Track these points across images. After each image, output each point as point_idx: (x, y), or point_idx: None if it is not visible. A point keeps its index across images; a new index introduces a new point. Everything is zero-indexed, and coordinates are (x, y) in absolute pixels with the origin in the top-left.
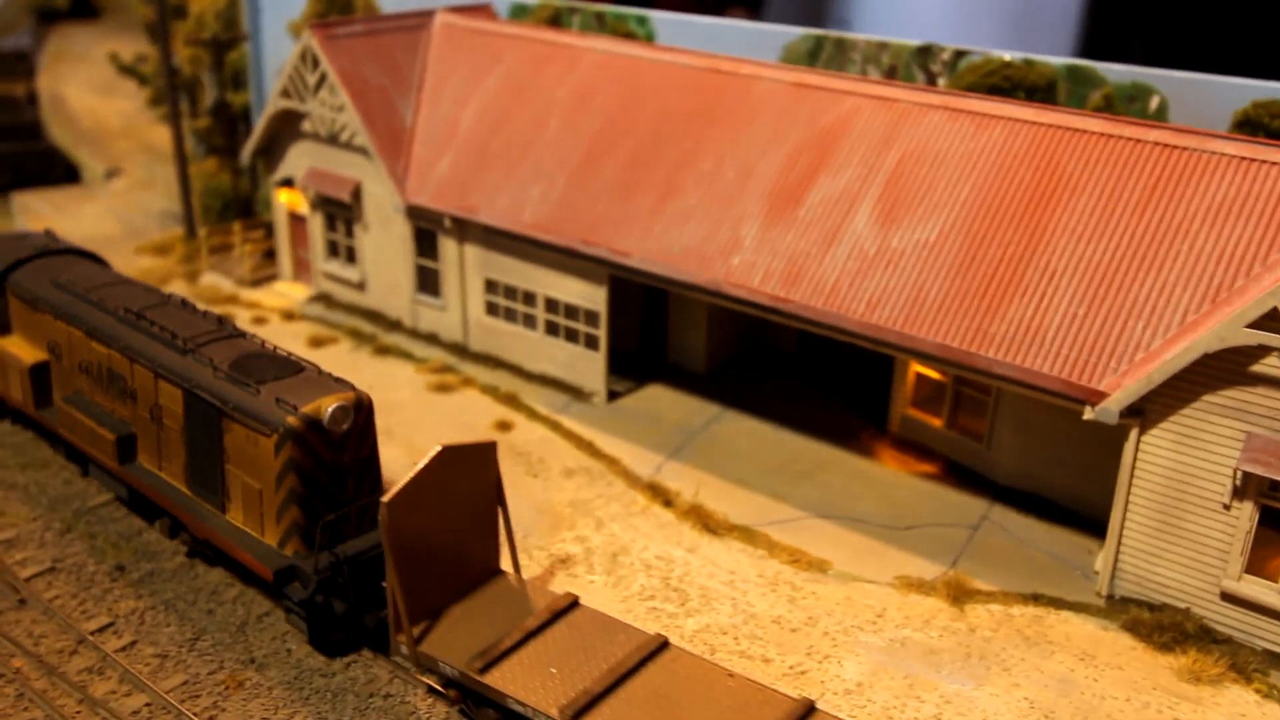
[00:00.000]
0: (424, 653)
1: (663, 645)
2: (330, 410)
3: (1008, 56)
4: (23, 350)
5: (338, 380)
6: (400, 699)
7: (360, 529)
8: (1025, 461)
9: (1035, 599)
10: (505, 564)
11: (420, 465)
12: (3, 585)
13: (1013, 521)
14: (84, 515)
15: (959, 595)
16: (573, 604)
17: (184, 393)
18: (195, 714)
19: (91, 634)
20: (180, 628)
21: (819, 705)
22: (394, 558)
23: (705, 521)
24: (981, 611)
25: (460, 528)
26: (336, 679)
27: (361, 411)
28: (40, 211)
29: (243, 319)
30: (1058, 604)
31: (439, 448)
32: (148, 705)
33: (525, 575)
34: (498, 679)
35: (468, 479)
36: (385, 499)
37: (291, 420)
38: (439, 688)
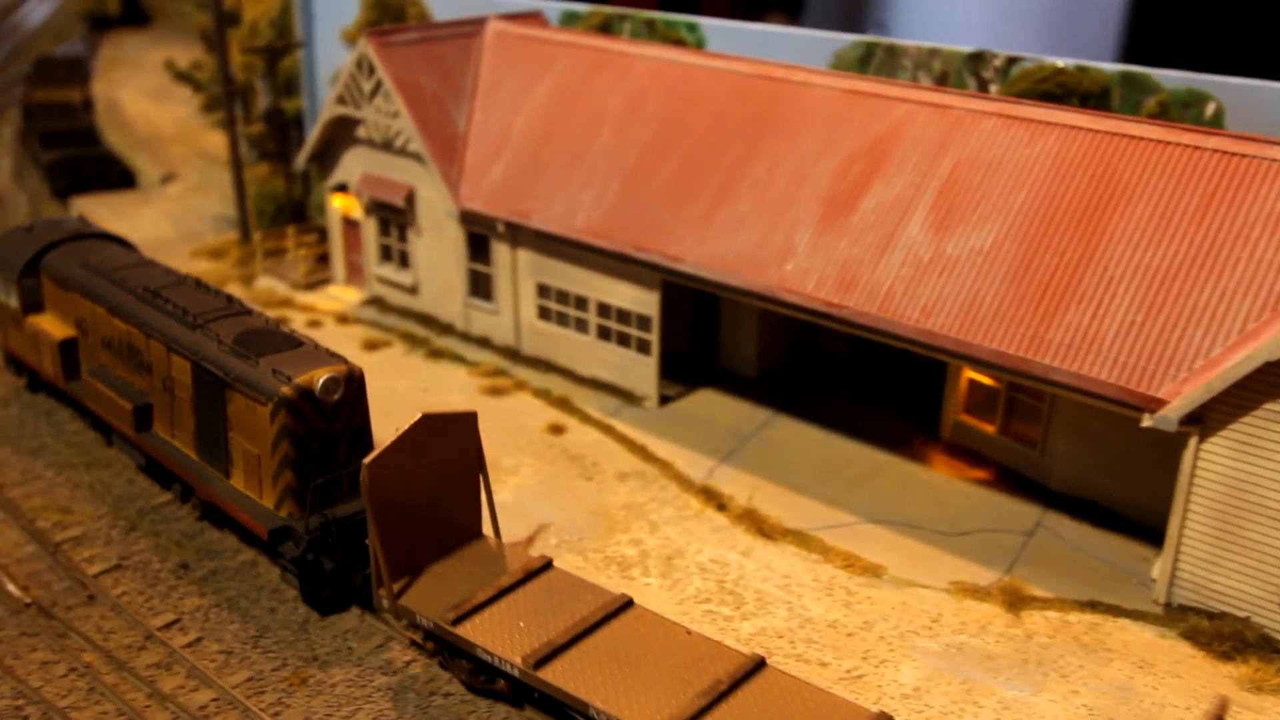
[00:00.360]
0: (403, 606)
1: (627, 604)
2: (322, 381)
3: (1061, 63)
4: (54, 327)
5: (332, 354)
6: (460, 697)
7: (351, 493)
8: (1080, 468)
9: (1092, 606)
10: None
11: (401, 431)
12: (72, 581)
13: (1067, 528)
14: (147, 514)
15: (1015, 601)
16: (546, 565)
17: (192, 365)
18: (261, 709)
19: (158, 630)
20: (244, 625)
21: (769, 661)
22: (375, 517)
23: (759, 526)
24: (1038, 618)
25: (442, 491)
26: (397, 677)
27: (353, 383)
28: (98, 215)
29: (298, 321)
30: (1115, 611)
31: (420, 415)
32: (215, 700)
33: (579, 574)
34: (468, 630)
35: (449, 446)
36: (366, 461)
37: (286, 390)
38: (418, 641)
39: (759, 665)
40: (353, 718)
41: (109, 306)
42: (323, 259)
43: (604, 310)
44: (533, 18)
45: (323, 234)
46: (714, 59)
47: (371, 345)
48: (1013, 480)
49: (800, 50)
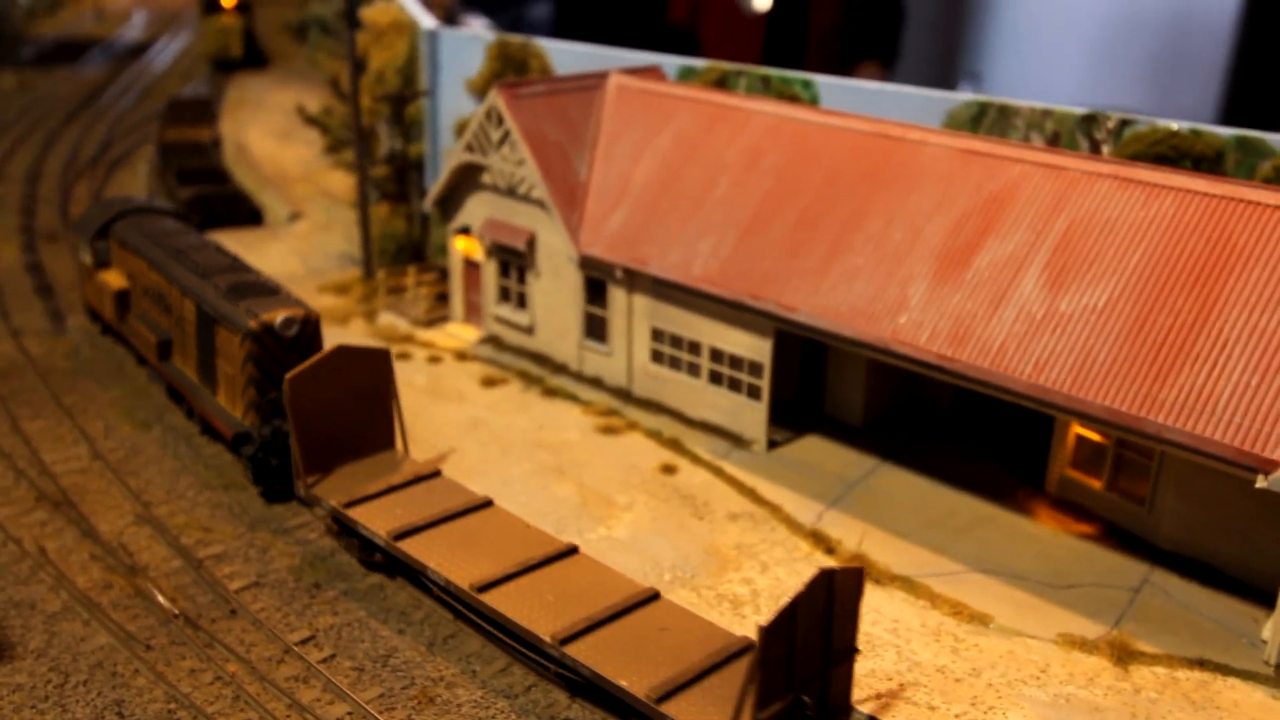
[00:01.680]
0: (312, 493)
1: (486, 503)
2: (281, 318)
3: (1175, 126)
4: (114, 280)
5: (297, 302)
6: None
7: None
8: (1188, 526)
9: (1201, 664)
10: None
11: (318, 356)
12: (215, 596)
13: (1175, 586)
14: (281, 534)
15: (1123, 655)
16: (434, 473)
17: (195, 306)
18: None
19: (295, 645)
20: (373, 644)
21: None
22: (293, 420)
23: (867, 570)
24: (1146, 673)
25: (355, 410)
26: (520, 700)
27: (309, 324)
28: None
29: (419, 357)
30: (1225, 670)
31: (336, 346)
32: (349, 714)
33: (691, 609)
34: (356, 513)
35: (363, 375)
36: (288, 376)
37: (253, 324)
38: (329, 523)
39: (570, 550)
40: None
41: (149, 262)
42: (441, 297)
43: (716, 356)
44: (651, 72)
45: (442, 273)
46: (830, 116)
47: (489, 382)
48: (1119, 536)
49: (912, 109)
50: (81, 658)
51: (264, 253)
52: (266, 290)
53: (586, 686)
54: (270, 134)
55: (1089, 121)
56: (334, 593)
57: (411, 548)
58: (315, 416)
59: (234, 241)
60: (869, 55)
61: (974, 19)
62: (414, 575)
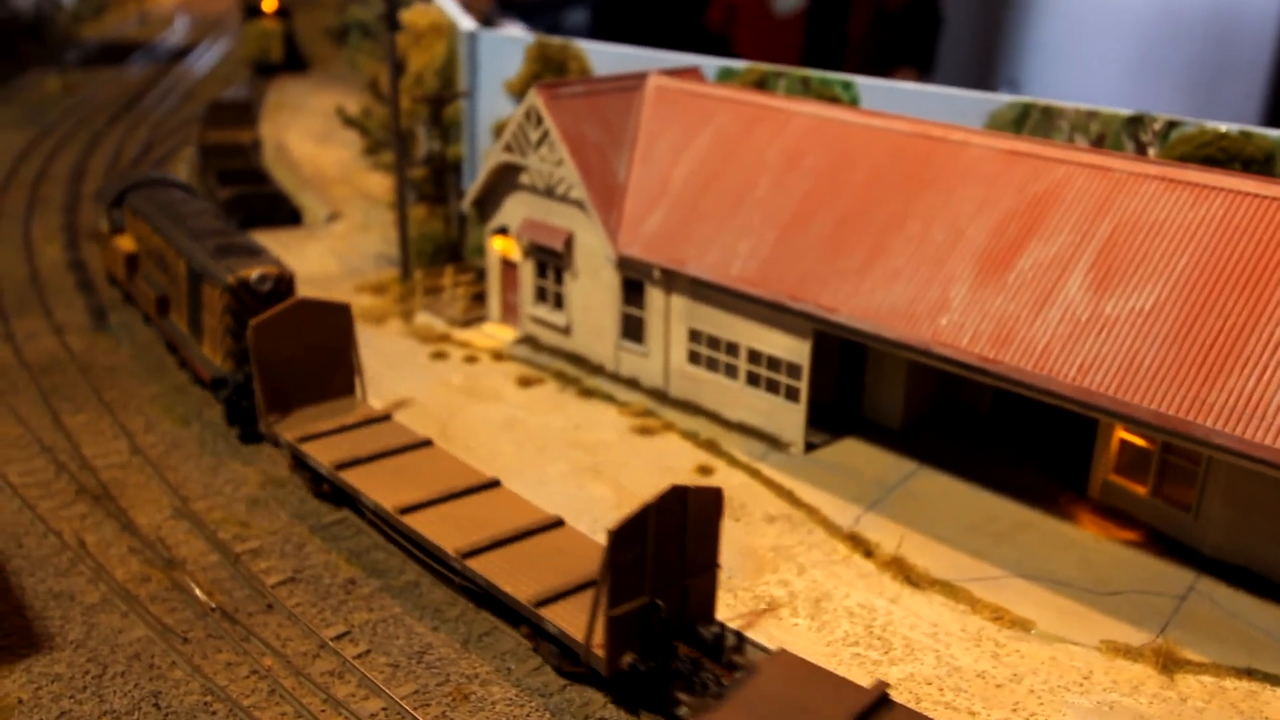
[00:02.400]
0: (272, 430)
1: (427, 442)
2: (256, 274)
3: (1223, 128)
4: (126, 244)
5: (275, 262)
6: None
7: None
8: (1236, 534)
9: (1249, 673)
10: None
11: (281, 306)
12: (252, 590)
13: (1222, 594)
14: (319, 531)
15: (1168, 664)
16: (385, 417)
17: (186, 264)
18: None
19: (331, 640)
20: (409, 641)
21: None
22: (256, 364)
23: (906, 574)
24: (1192, 682)
25: (316, 358)
26: (554, 699)
27: (282, 281)
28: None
29: (455, 357)
30: (1275, 680)
31: (298, 298)
32: (384, 709)
33: (721, 611)
34: (307, 447)
35: (325, 327)
36: (252, 323)
37: (231, 279)
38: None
39: (493, 483)
40: None
41: (153, 226)
42: (478, 298)
43: (754, 357)
44: (691, 73)
45: (480, 274)
46: (871, 117)
47: (525, 382)
48: (1164, 543)
49: (954, 110)
50: (119, 649)
51: (302, 253)
52: (249, 251)
53: (485, 597)
54: (309, 136)
55: (1135, 123)
56: (369, 589)
57: (350, 476)
58: (277, 361)
59: (272, 241)
60: (905, 62)
61: (1013, 26)
62: (353, 503)
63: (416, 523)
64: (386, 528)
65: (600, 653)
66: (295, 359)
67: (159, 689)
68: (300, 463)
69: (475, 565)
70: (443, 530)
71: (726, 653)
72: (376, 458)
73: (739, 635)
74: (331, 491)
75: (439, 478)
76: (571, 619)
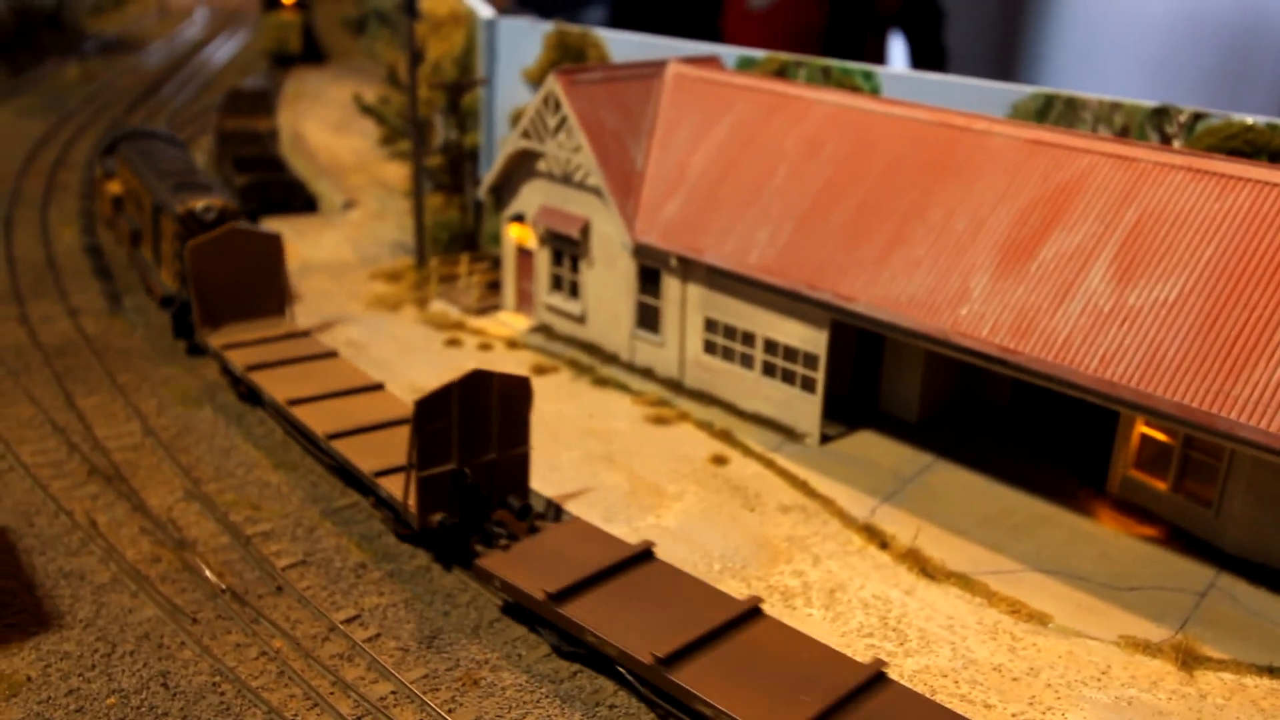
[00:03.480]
0: (205, 340)
1: (333, 354)
2: (201, 205)
3: (1250, 120)
4: (114, 187)
5: (223, 197)
6: (625, 710)
7: None
8: (1258, 531)
9: (1271, 671)
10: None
11: (216, 231)
12: (262, 573)
13: (1243, 592)
14: (329, 515)
15: (1188, 660)
16: (305, 333)
17: (150, 200)
18: (437, 705)
19: (341, 623)
20: (419, 625)
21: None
22: (193, 282)
23: (922, 566)
24: (1212, 679)
25: (248, 280)
26: (564, 686)
27: (225, 212)
28: (285, 236)
29: (469, 344)
30: None
31: (231, 225)
32: (393, 693)
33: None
34: (230, 354)
35: (258, 254)
36: (190, 243)
37: (180, 209)
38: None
39: (377, 386)
40: (523, 719)
41: (132, 170)
42: (493, 286)
43: (771, 347)
44: (710, 62)
45: (495, 262)
46: (892, 105)
47: (540, 370)
48: (1184, 539)
49: (977, 101)
50: (129, 629)
51: (317, 239)
52: (203, 188)
53: (350, 475)
54: (327, 126)
55: (1160, 115)
56: (380, 574)
57: (257, 376)
58: (212, 281)
59: (288, 228)
60: (916, 67)
61: (1034, 25)
62: (260, 400)
63: (300, 412)
64: (281, 419)
65: (413, 509)
66: (229, 279)
67: (168, 668)
68: (224, 367)
69: (336, 445)
70: (319, 419)
71: (532, 519)
72: (284, 363)
73: (557, 508)
74: (246, 392)
75: (332, 381)
76: (399, 486)
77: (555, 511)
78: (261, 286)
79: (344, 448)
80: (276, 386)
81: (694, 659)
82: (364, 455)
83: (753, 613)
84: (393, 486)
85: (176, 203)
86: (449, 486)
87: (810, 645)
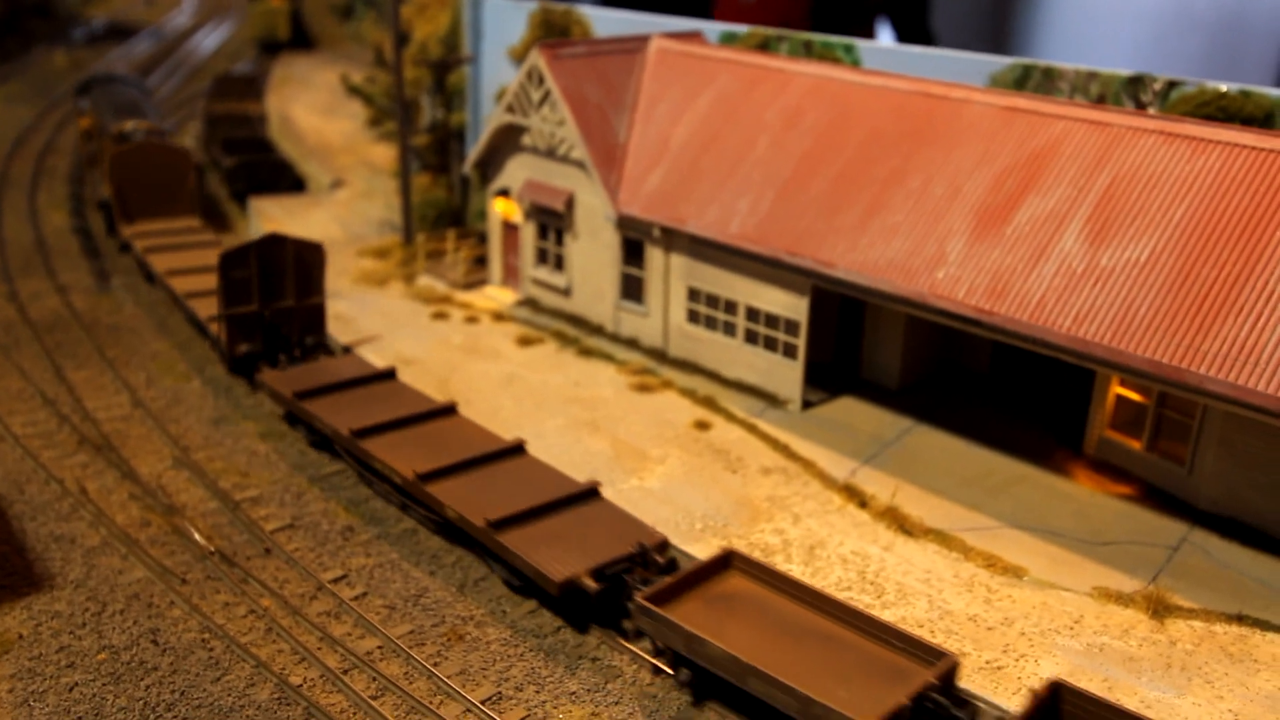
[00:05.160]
0: (122, 236)
1: (217, 242)
2: (130, 126)
3: (1224, 87)
4: (84, 123)
5: (156, 121)
6: (606, 662)
7: None
8: (1229, 487)
9: (1240, 619)
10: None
11: (133, 143)
12: (251, 536)
13: (1215, 545)
14: (318, 481)
15: (1159, 609)
16: (205, 229)
17: (100, 126)
18: (422, 659)
19: (329, 583)
20: (405, 584)
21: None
22: (112, 185)
23: (900, 523)
24: (1182, 626)
25: (164, 186)
26: (548, 640)
27: (153, 132)
28: (272, 214)
29: (456, 318)
30: (1265, 625)
31: (147, 139)
32: (379, 648)
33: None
34: (135, 241)
35: (171, 166)
36: (109, 153)
37: (115, 129)
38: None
39: (323, 348)
40: (507, 672)
41: (94, 106)
42: (480, 261)
43: (753, 314)
44: (693, 37)
45: (481, 238)
46: (872, 76)
47: (525, 341)
48: (1159, 497)
49: (957, 72)
50: (119, 589)
51: (306, 218)
52: (140, 114)
53: (194, 320)
54: (315, 109)
55: (1135, 84)
56: (367, 536)
57: (152, 257)
58: (130, 185)
59: (277, 207)
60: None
61: (1022, 12)
62: (152, 277)
63: (174, 282)
64: (163, 288)
65: (224, 342)
66: (145, 185)
67: (157, 626)
68: (126, 247)
69: (192, 304)
70: (187, 285)
71: (322, 351)
72: (176, 248)
73: (346, 348)
74: (147, 276)
75: (210, 259)
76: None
77: (344, 350)
78: (174, 193)
79: (196, 303)
80: (163, 263)
81: (384, 434)
82: (210, 306)
83: (517, 449)
84: (219, 329)
85: (112, 125)
86: (253, 324)
87: (551, 473)
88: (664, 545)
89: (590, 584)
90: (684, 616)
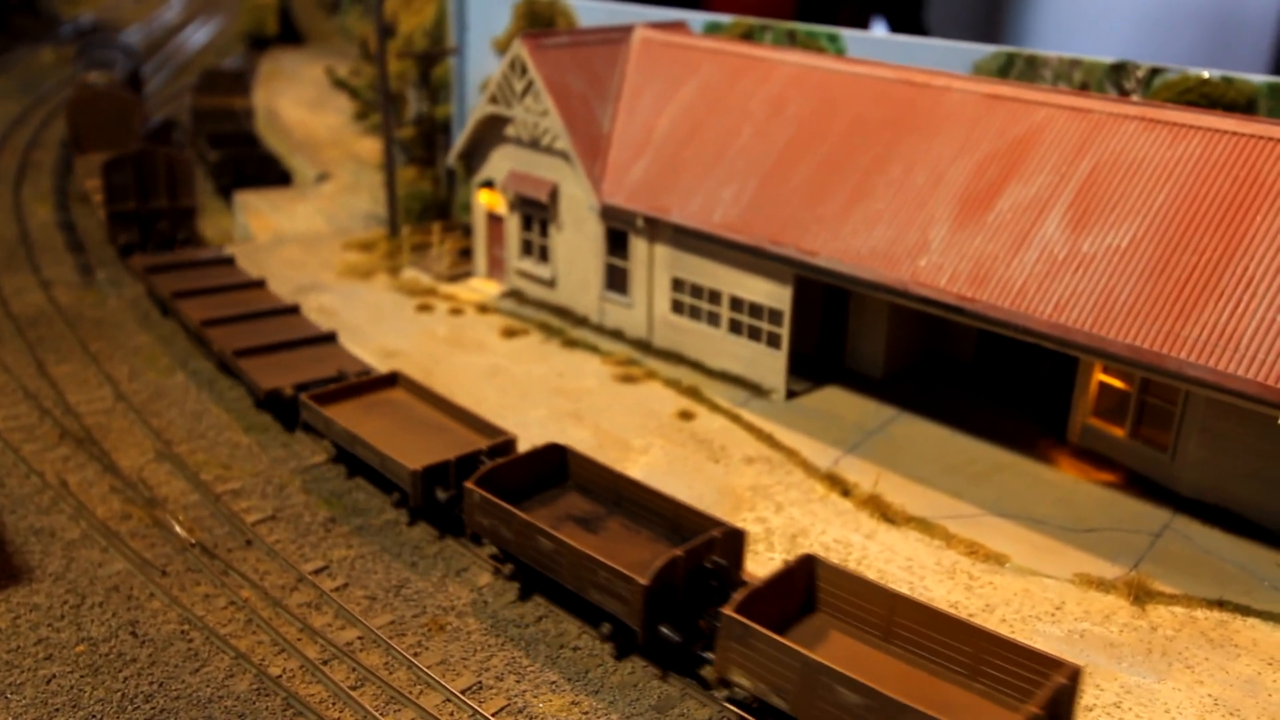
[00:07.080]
0: (74, 160)
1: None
2: (92, 77)
3: (1206, 74)
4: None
5: (118, 74)
6: (589, 651)
7: None
8: (1211, 473)
9: (1220, 604)
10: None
11: (92, 89)
12: (232, 528)
13: (1196, 532)
14: (300, 474)
15: (1140, 595)
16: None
17: (74, 76)
18: (402, 649)
19: (309, 574)
20: (387, 575)
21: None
22: (70, 123)
23: (883, 511)
24: (1163, 612)
25: (113, 126)
26: (529, 630)
27: (110, 84)
28: (258, 208)
29: (441, 310)
30: (1244, 611)
31: (105, 86)
32: (360, 638)
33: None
34: (81, 172)
35: (121, 109)
36: (70, 99)
37: (82, 79)
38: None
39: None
40: (487, 662)
41: (83, 63)
42: (465, 253)
43: (736, 304)
44: (677, 27)
45: (466, 230)
46: (855, 65)
47: (510, 333)
48: (1141, 484)
49: (940, 61)
50: (98, 582)
51: (291, 211)
52: (105, 66)
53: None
54: (301, 104)
55: (1118, 71)
56: (349, 528)
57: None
58: (86, 123)
59: (263, 200)
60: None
61: (1016, 6)
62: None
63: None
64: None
65: (108, 231)
66: (99, 124)
67: (136, 618)
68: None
69: (105, 209)
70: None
71: (195, 246)
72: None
73: (220, 249)
74: (112, 224)
75: (161, 186)
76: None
77: (218, 250)
78: (120, 131)
79: (106, 212)
80: (93, 186)
81: (199, 297)
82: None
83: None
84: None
85: (82, 76)
86: (131, 220)
87: (307, 325)
88: (366, 371)
89: (289, 392)
90: (337, 414)
